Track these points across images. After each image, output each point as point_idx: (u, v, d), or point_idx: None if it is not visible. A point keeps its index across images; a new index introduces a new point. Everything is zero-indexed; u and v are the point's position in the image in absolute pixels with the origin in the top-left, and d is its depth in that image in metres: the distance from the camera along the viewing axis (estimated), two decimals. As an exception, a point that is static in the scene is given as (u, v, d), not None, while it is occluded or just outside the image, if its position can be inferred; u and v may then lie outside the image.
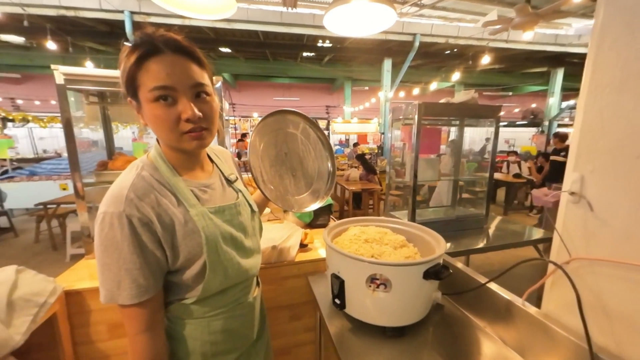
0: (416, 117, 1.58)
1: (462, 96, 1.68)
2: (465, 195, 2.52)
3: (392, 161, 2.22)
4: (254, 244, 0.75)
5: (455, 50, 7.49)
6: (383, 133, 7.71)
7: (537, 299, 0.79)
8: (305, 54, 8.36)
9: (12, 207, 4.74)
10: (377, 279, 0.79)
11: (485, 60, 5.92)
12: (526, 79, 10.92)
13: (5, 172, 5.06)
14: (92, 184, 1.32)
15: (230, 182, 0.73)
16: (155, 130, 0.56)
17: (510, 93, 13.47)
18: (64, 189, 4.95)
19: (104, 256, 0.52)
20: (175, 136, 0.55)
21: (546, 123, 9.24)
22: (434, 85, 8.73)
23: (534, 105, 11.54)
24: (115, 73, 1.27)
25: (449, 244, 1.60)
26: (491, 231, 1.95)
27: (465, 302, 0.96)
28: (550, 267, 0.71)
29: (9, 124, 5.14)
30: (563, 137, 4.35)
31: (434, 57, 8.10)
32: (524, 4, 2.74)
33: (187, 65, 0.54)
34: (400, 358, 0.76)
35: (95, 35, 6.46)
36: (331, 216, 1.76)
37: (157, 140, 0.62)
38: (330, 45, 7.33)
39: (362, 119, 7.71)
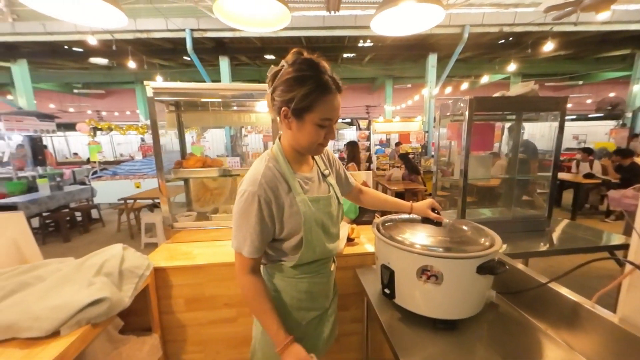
0: (467, 112, 1.53)
1: (519, 88, 1.58)
2: (524, 198, 2.32)
3: (438, 160, 2.15)
4: (337, 231, 0.91)
5: (510, 38, 6.83)
6: (427, 131, 7.38)
7: (609, 304, 0.74)
8: (345, 55, 8.41)
9: (99, 202, 5.67)
10: (429, 271, 0.81)
11: (549, 47, 5.30)
12: (602, 65, 9.42)
13: (95, 172, 6.06)
14: (170, 180, 1.55)
15: (324, 177, 0.90)
16: (301, 139, 0.76)
17: (581, 82, 11.76)
18: (138, 187, 5.76)
19: (239, 219, 0.74)
20: (313, 147, 0.77)
21: (629, 115, 7.86)
22: (485, 79, 8.07)
23: (612, 95, 9.90)
24: (189, 85, 1.49)
25: (504, 245, 1.51)
26: (555, 235, 1.77)
27: (523, 303, 0.93)
28: (628, 267, 0.67)
29: (98, 132, 6.11)
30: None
31: (485, 48, 7.50)
32: None
33: (339, 102, 0.75)
34: (453, 351, 0.77)
35: (162, 53, 7.36)
36: (376, 213, 1.79)
37: (279, 139, 0.84)
38: (372, 44, 7.26)
39: (405, 117, 7.46)
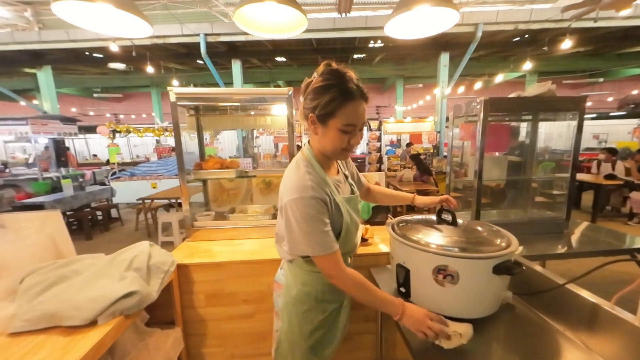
0: (482, 113, 1.53)
1: (535, 89, 1.56)
2: (539, 199, 2.28)
3: (452, 161, 2.14)
4: (359, 225, 0.99)
5: (526, 36, 6.67)
6: (439, 132, 7.28)
7: (630, 308, 0.74)
8: (356, 56, 8.42)
9: (118, 201, 5.89)
10: (444, 271, 0.83)
11: (567, 45, 5.14)
12: (624, 61, 9.04)
13: (114, 173, 6.31)
14: (190, 181, 1.61)
15: (346, 178, 0.99)
16: (326, 144, 0.82)
17: (602, 79, 11.32)
18: (154, 187, 5.95)
19: (308, 226, 0.77)
20: (337, 152, 0.82)
21: (654, 113, 7.51)
22: (499, 78, 7.90)
23: (635, 92, 9.47)
24: (208, 90, 1.55)
25: (520, 247, 1.50)
26: (574, 237, 1.74)
27: (540, 304, 0.93)
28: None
29: (117, 135, 6.35)
30: None
31: (499, 47, 7.34)
32: None
33: (364, 109, 0.79)
34: (470, 350, 0.79)
35: (177, 57, 7.58)
36: (389, 215, 1.80)
37: (309, 143, 0.90)
38: (382, 45, 7.24)
39: (416, 117, 7.40)
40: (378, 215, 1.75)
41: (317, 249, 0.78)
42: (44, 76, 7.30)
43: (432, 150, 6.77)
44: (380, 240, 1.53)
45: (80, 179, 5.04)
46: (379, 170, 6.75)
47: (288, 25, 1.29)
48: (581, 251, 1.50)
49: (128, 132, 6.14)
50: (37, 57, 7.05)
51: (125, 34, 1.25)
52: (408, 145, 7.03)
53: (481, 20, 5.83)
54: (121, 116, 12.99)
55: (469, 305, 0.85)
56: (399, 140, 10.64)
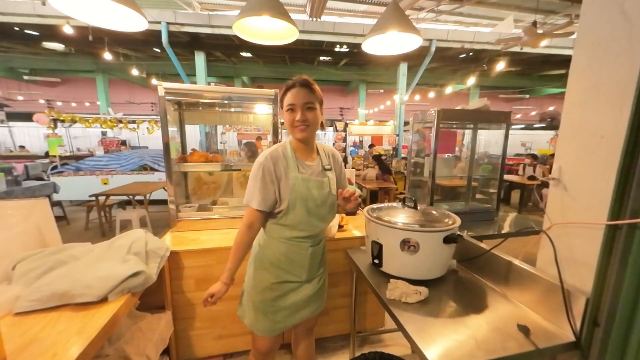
0: (435, 121, 1.85)
1: (476, 103, 1.93)
2: (479, 196, 2.75)
3: (411, 161, 2.48)
4: (326, 213, 1.10)
5: (471, 54, 7.62)
6: (398, 135, 7.91)
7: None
8: (322, 58, 8.69)
9: (61, 199, 5.28)
10: (409, 242, 1.07)
11: (501, 65, 6.04)
12: (545, 81, 10.83)
13: (55, 167, 5.62)
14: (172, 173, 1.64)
15: (325, 169, 1.11)
16: (285, 123, 1.04)
17: (528, 96, 13.33)
18: (105, 184, 5.46)
19: (250, 181, 1.03)
20: (291, 128, 1.02)
21: (564, 126, 9.14)
22: (449, 89, 8.84)
23: (551, 108, 11.39)
24: (195, 87, 1.61)
25: (465, 231, 1.85)
26: (503, 223, 2.18)
27: (476, 267, 1.23)
28: (542, 234, 0.98)
29: (59, 124, 5.68)
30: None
31: (449, 61, 8.24)
32: (530, 26, 2.94)
33: (303, 93, 0.99)
34: (428, 302, 1.04)
35: (131, 43, 7.00)
36: (360, 206, 2.04)
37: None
38: (347, 50, 7.62)
39: (378, 121, 7.95)
40: (350, 206, 1.98)
41: (245, 197, 1.03)
42: (-42, 51, 6.15)
43: (391, 152, 7.33)
44: (354, 227, 1.76)
45: (15, 173, 4.43)
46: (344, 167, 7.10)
47: (280, 34, 1.43)
48: (506, 232, 1.91)
49: (73, 122, 5.52)
50: (-52, 28, 5.92)
51: (119, 27, 1.27)
52: (370, 146, 7.51)
53: (435, 36, 6.52)
54: (58, 103, 11.41)
55: (426, 269, 1.11)
56: (361, 142, 11.24)
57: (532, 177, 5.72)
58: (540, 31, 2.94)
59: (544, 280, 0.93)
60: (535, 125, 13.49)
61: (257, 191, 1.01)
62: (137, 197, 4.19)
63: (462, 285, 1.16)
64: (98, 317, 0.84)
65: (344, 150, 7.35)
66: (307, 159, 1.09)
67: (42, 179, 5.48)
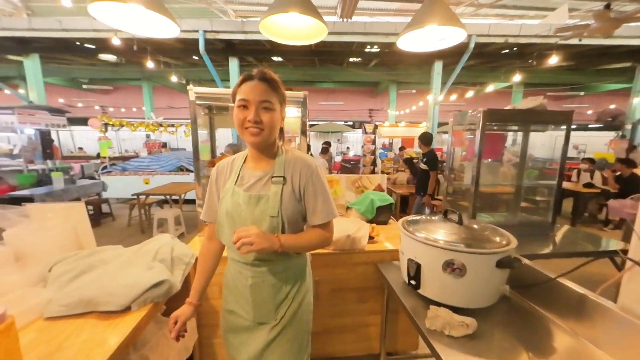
0: (480, 122, 1.65)
1: (529, 102, 1.70)
2: (523, 204, 2.45)
3: (450, 166, 2.27)
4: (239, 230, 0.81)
5: (515, 49, 6.99)
6: (431, 137, 7.50)
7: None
8: (352, 59, 8.56)
9: (109, 196, 5.77)
10: (453, 264, 0.92)
11: (553, 60, 5.44)
12: (603, 77, 9.61)
13: (105, 167, 6.16)
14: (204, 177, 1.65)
15: (272, 182, 0.84)
16: (235, 124, 0.82)
17: (582, 93, 11.96)
18: (146, 183, 5.86)
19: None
20: (240, 130, 0.82)
21: (629, 126, 8.02)
22: (490, 88, 8.21)
23: (612, 106, 10.07)
24: (225, 91, 1.60)
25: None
26: (558, 239, 1.89)
27: (534, 296, 1.04)
28: (629, 263, 0.78)
29: (108, 128, 6.21)
30: None
31: (489, 58, 7.65)
32: (602, 10, 2.49)
33: (261, 87, 0.79)
34: (474, 335, 0.89)
35: (172, 52, 7.48)
36: (391, 215, 1.90)
37: None
38: (378, 50, 7.41)
39: (409, 122, 7.62)
40: (382, 215, 1.85)
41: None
42: (31, 64, 7.04)
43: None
44: (385, 238, 1.62)
45: (72, 172, 4.91)
46: (373, 172, 6.90)
47: (309, 33, 1.37)
48: (566, 252, 1.65)
49: (121, 125, 6.01)
50: (23, 45, 6.79)
51: (153, 33, 1.29)
52: (401, 149, 7.22)
53: (474, 31, 6.08)
54: (110, 109, 12.61)
55: (474, 296, 0.95)
56: (390, 144, 10.90)
57: (589, 185, 5.05)
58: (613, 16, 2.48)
59: (631, 323, 0.74)
60: (590, 126, 12.05)
61: (205, 201, 0.94)
62: (173, 197, 4.41)
63: (517, 316, 0.98)
64: (121, 327, 0.82)
65: (373, 152, 7.13)
66: (254, 166, 0.88)
67: (94, 178, 6.03)
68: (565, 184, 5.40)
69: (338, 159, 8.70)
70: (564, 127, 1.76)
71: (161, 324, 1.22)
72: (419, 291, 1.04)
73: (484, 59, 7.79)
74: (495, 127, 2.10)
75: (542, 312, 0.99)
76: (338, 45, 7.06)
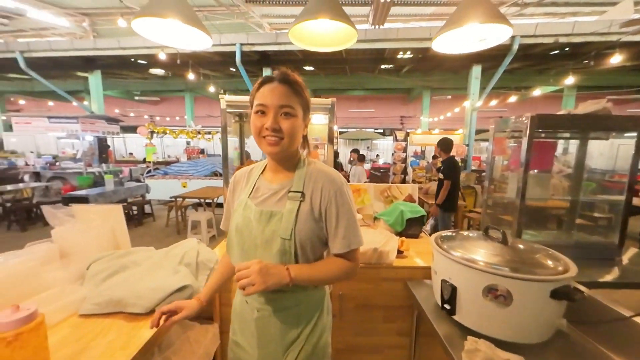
0: (528, 129, 1.48)
1: (589, 106, 1.49)
2: (579, 221, 2.15)
3: (490, 176, 2.08)
4: (263, 255, 0.72)
5: (566, 49, 6.36)
6: (468, 145, 7.06)
7: None
8: (383, 66, 8.45)
9: (151, 198, 6.25)
10: (496, 290, 0.81)
11: (616, 59, 4.83)
12: (678, 77, 8.33)
13: (149, 171, 6.70)
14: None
15: (289, 198, 0.73)
16: (252, 133, 0.75)
17: (651, 95, 10.46)
18: (184, 187, 6.25)
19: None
20: (257, 139, 0.73)
21: None
22: (537, 92, 7.55)
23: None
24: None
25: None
26: (626, 265, 1.61)
27: (600, 335, 0.87)
28: None
29: (154, 135, 6.77)
30: None
31: (536, 60, 7.07)
32: None
33: (280, 91, 0.70)
34: (520, 374, 0.76)
35: (212, 64, 8.01)
36: (423, 227, 1.77)
37: None
38: (411, 56, 7.22)
39: (443, 129, 7.25)
40: (412, 227, 1.73)
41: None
42: (94, 79, 7.99)
43: (460, 164, 6.56)
44: (415, 253, 1.51)
45: (120, 175, 5.41)
46: (404, 181, 6.64)
47: (339, 39, 1.35)
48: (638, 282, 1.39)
49: (165, 133, 6.54)
50: (89, 63, 7.74)
51: (189, 46, 1.37)
52: (434, 157, 6.87)
53: (518, 32, 5.65)
54: (157, 118, 13.84)
55: (522, 330, 0.82)
56: (423, 152, 10.47)
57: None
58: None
59: None
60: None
61: (224, 210, 0.90)
62: (206, 200, 4.63)
63: (574, 357, 0.82)
64: (145, 329, 0.83)
65: (404, 161, 6.88)
66: (272, 178, 0.79)
67: (139, 181, 6.60)
68: (635, 200, 4.69)
69: (367, 166, 8.55)
70: (633, 134, 1.51)
71: (185, 327, 1.24)
72: (454, 317, 0.93)
73: (529, 62, 7.22)
74: (542, 135, 1.88)
75: (611, 355, 0.82)
76: (370, 53, 7.02)
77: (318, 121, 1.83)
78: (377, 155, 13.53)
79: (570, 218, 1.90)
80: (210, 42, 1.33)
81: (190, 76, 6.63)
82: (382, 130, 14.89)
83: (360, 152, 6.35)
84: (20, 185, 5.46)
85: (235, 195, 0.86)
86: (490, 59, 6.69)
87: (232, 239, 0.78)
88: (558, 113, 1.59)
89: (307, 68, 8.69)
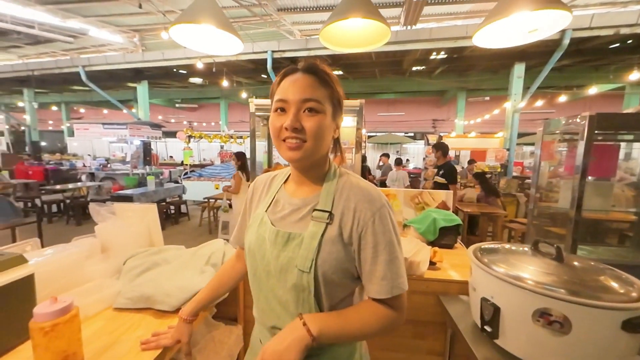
0: (585, 131, 1.30)
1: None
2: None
3: (536, 182, 1.87)
4: (282, 296, 0.59)
5: (629, 41, 5.64)
6: (509, 149, 6.53)
7: None
8: (415, 68, 8.18)
9: (187, 198, 6.64)
10: (549, 315, 0.70)
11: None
12: None
13: (186, 173, 7.15)
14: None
15: (312, 217, 0.59)
16: (272, 136, 0.61)
17: None
18: (217, 188, 6.55)
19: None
20: (276, 142, 0.59)
21: None
22: (592, 90, 6.79)
23: None
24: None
25: None
26: None
27: (688, 380, 0.71)
28: None
29: (191, 139, 7.22)
30: None
31: (590, 55, 6.36)
32: None
33: (305, 82, 0.57)
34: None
35: (245, 72, 8.38)
36: (459, 237, 1.64)
37: None
38: (445, 56, 6.90)
39: (482, 133, 6.79)
40: (446, 237, 1.60)
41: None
42: (142, 89, 8.77)
43: (499, 169, 6.08)
44: (449, 265, 1.39)
45: (161, 177, 5.82)
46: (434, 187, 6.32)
47: (371, 38, 1.30)
48: None
49: (200, 137, 6.94)
50: (138, 74, 8.53)
51: (221, 51, 1.42)
52: (470, 162, 6.45)
53: (570, 25, 5.13)
54: (195, 123, 14.80)
55: (583, 364, 0.69)
56: (457, 157, 9.89)
57: None
58: None
59: None
60: None
61: (237, 222, 0.77)
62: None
63: (657, 406, 0.68)
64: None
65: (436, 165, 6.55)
66: (298, 191, 0.65)
67: (177, 182, 7.06)
68: None
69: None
70: None
71: (211, 326, 1.25)
72: (496, 341, 0.82)
73: (582, 57, 6.51)
74: (600, 138, 1.65)
75: None
76: (401, 55, 6.84)
77: (345, 124, 1.79)
78: (407, 159, 13.09)
79: (637, 233, 1.64)
80: (241, 46, 1.36)
81: (225, 83, 7.00)
82: (412, 134, 14.39)
83: (391, 157, 6.18)
84: (78, 184, 6.13)
85: (252, 206, 0.72)
86: (535, 55, 6.16)
87: (248, 258, 0.65)
88: (624, 112, 1.38)
89: (336, 72, 8.71)
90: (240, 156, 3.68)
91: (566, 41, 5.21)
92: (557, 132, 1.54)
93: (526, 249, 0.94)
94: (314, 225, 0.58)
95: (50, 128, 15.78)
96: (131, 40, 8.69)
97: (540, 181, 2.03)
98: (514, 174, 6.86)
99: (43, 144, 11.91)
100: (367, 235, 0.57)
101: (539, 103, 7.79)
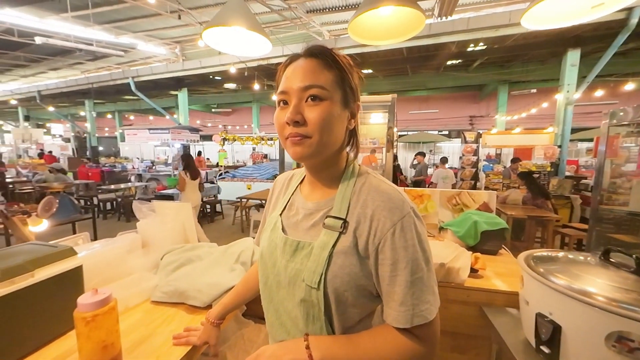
0: (668, 121, 1.09)
1: None
2: None
3: (600, 182, 1.63)
4: (291, 310, 0.54)
5: None
6: (560, 146, 5.87)
7: None
8: (450, 62, 7.73)
9: (221, 198, 6.98)
10: (630, 341, 0.58)
11: None
12: None
13: (221, 174, 7.52)
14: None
15: (324, 224, 0.52)
16: (277, 131, 0.55)
17: None
18: (249, 188, 6.79)
19: None
20: (282, 139, 0.52)
21: None
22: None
23: None
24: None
25: None
26: None
27: None
28: None
29: (225, 142, 7.58)
30: None
31: (667, 34, 5.46)
32: None
33: (306, 67, 0.50)
34: None
35: (275, 75, 8.58)
36: (503, 244, 1.48)
37: None
38: (484, 47, 6.41)
39: (527, 128, 6.19)
40: (489, 242, 1.46)
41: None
42: (182, 96, 9.42)
43: (549, 169, 5.49)
44: (494, 274, 1.26)
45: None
46: (474, 188, 5.89)
47: (404, 27, 1.23)
48: None
49: (234, 140, 7.26)
50: (179, 82, 9.18)
51: (251, 53, 1.45)
52: (514, 161, 5.91)
53: (638, 2, 4.46)
54: (229, 127, 15.57)
55: (676, 403, 0.56)
56: (498, 155, 9.14)
57: None
58: None
59: None
60: None
61: (260, 223, 0.72)
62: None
63: None
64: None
65: (475, 165, 6.10)
66: (312, 195, 0.58)
67: (213, 183, 7.45)
68: None
69: (430, 171, 7.89)
70: None
71: (241, 324, 1.27)
72: (556, 365, 0.71)
73: (655, 38, 5.62)
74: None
75: None
76: (434, 48, 6.51)
77: (375, 120, 1.72)
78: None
79: None
80: (270, 46, 1.37)
81: (256, 87, 7.23)
82: (447, 132, 13.63)
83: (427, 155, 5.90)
84: (128, 184, 6.75)
85: (270, 207, 0.68)
86: (592, 40, 5.48)
87: (259, 264, 0.62)
88: None
89: (365, 71, 8.57)
90: (184, 157, 4.07)
91: (634, 20, 4.54)
92: (623, 124, 1.32)
93: (590, 258, 0.80)
94: (326, 235, 0.51)
95: (106, 134, 17.66)
96: (173, 51, 9.39)
97: (605, 181, 1.76)
98: (567, 173, 6.15)
99: (100, 148, 13.39)
100: (385, 249, 0.48)
101: (599, 93, 6.90)
